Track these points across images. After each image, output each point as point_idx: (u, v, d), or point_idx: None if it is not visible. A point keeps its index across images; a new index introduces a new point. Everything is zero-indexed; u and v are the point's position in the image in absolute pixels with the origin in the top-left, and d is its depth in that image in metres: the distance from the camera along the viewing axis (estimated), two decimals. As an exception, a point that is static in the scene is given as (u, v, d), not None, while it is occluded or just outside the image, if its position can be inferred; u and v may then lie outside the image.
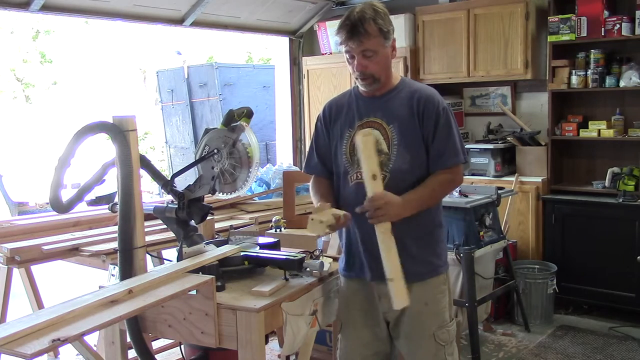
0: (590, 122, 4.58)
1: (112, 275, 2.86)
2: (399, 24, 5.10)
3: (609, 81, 4.43)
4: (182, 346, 2.64)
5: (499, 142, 4.96)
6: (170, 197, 2.49)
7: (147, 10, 4.68)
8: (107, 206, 2.61)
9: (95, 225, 3.48)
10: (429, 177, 2.19)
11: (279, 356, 3.77)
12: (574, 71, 4.53)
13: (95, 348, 3.40)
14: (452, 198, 3.83)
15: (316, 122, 2.40)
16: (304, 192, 4.12)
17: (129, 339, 2.31)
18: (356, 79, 2.23)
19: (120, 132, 2.15)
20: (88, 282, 3.71)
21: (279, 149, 8.35)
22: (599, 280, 4.39)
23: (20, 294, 3.76)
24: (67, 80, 13.97)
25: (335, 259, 2.52)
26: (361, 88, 2.26)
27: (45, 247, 3.01)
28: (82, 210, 3.34)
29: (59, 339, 1.54)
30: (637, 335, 4.13)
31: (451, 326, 2.27)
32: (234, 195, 2.62)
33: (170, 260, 2.45)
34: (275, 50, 6.73)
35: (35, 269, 3.62)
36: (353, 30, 2.11)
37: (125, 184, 2.16)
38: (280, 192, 3.98)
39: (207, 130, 2.62)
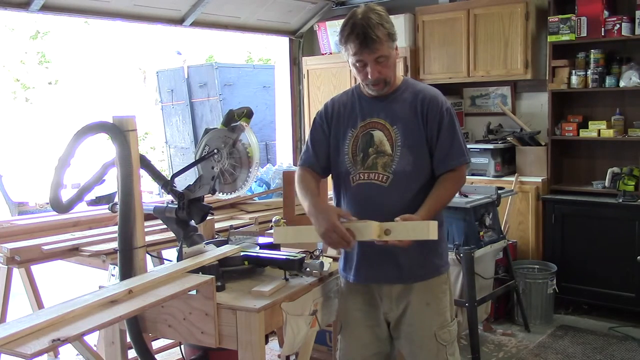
0: (590, 122, 4.58)
1: (112, 275, 2.85)
2: (399, 24, 5.10)
3: (609, 81, 4.42)
4: (182, 346, 2.64)
5: (499, 142, 4.96)
6: (170, 197, 2.49)
7: (147, 10, 4.68)
8: (107, 206, 2.62)
9: (95, 225, 3.48)
10: (436, 185, 2.18)
11: (279, 356, 3.77)
12: (574, 71, 4.53)
13: (95, 348, 3.40)
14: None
15: (315, 117, 2.37)
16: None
17: (129, 339, 2.31)
18: (366, 85, 2.20)
19: (120, 132, 2.15)
20: (88, 282, 3.71)
21: (279, 149, 8.37)
22: (599, 280, 4.39)
23: (20, 294, 3.76)
24: (67, 81, 13.97)
25: (335, 259, 2.52)
26: (371, 92, 2.22)
27: (45, 247, 3.01)
28: (82, 210, 3.34)
29: (59, 339, 1.54)
30: (637, 335, 4.13)
31: (452, 326, 2.27)
32: (234, 195, 2.62)
33: (170, 260, 2.45)
34: (275, 50, 6.74)
35: (35, 269, 3.62)
36: (365, 39, 2.06)
37: (125, 184, 2.16)
38: (280, 192, 3.97)
39: (207, 130, 2.62)
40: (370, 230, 2.01)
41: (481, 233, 3.88)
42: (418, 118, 2.19)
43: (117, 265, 2.29)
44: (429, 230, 1.98)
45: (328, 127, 2.31)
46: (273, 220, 3.20)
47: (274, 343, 3.86)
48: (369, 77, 2.14)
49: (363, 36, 2.07)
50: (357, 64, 2.14)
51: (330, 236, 2.05)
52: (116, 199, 2.31)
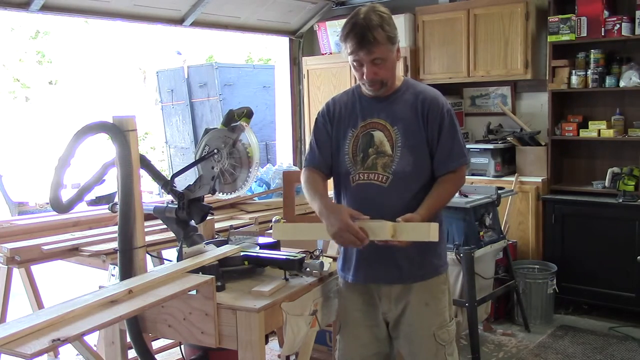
0: (590, 122, 4.58)
1: (112, 275, 2.86)
2: (399, 24, 5.10)
3: (609, 81, 4.42)
4: (182, 346, 2.64)
5: (499, 142, 4.96)
6: (170, 197, 2.49)
7: (147, 10, 4.68)
8: (107, 206, 2.62)
9: (95, 225, 3.48)
10: (436, 185, 2.19)
11: (279, 356, 3.77)
12: (574, 71, 4.53)
13: (95, 348, 3.40)
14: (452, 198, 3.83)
15: (317, 117, 2.37)
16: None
17: (129, 339, 2.31)
18: (363, 84, 2.21)
19: (120, 132, 2.15)
20: (88, 282, 3.71)
21: (279, 149, 8.37)
22: (599, 280, 4.39)
23: (20, 294, 3.76)
24: (66, 80, 13.97)
25: (335, 259, 2.52)
26: (368, 92, 2.23)
27: (45, 247, 3.01)
28: (82, 210, 3.34)
29: (59, 339, 1.54)
30: (637, 335, 4.13)
31: (451, 326, 2.27)
32: (234, 195, 2.62)
33: (170, 260, 2.45)
34: (275, 50, 6.74)
35: (35, 269, 3.62)
36: (362, 40, 2.07)
37: (125, 184, 2.16)
38: (280, 192, 3.97)
39: (207, 130, 2.62)
40: (385, 230, 2.00)
41: (481, 233, 3.88)
42: (418, 119, 2.19)
43: (117, 265, 2.29)
44: (430, 233, 1.98)
45: (330, 126, 2.31)
46: (273, 220, 3.20)
47: (274, 343, 3.86)
48: (365, 77, 2.15)
49: (361, 36, 2.07)
50: (355, 63, 2.16)
51: (342, 236, 2.04)
52: (116, 199, 2.31)
